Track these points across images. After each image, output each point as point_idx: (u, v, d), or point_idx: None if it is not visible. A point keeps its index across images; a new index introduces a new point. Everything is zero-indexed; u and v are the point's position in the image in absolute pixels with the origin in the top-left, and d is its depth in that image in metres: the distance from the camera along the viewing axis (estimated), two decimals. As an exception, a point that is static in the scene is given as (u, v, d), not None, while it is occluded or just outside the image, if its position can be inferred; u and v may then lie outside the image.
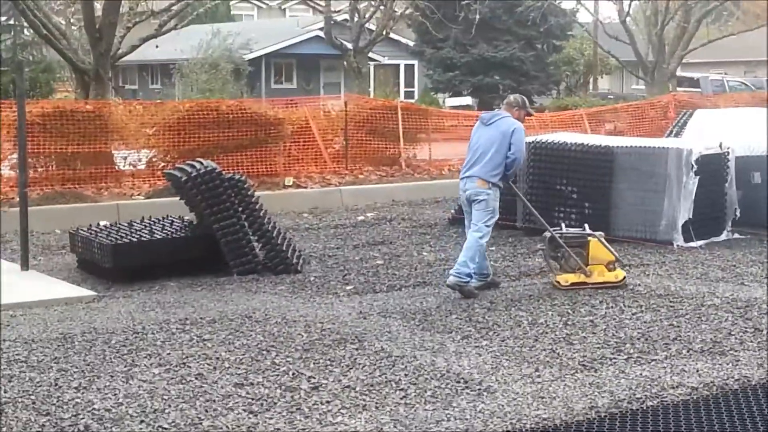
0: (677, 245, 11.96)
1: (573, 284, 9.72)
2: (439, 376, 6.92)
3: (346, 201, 16.95)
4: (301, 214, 15.66)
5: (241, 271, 10.59)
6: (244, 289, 10.05)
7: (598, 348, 7.65)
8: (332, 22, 31.31)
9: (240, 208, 10.76)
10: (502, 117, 9.97)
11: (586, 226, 10.40)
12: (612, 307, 8.98)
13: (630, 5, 34.57)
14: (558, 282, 9.78)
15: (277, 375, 6.97)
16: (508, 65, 40.61)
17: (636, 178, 12.50)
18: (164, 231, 10.95)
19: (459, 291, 9.53)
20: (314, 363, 7.25)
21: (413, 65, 47.61)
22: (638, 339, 7.89)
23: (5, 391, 6.62)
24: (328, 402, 6.41)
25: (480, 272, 9.82)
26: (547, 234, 10.01)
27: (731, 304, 9.02)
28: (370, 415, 6.17)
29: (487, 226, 9.77)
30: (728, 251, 11.88)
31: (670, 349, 7.61)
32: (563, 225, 10.54)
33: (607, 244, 9.95)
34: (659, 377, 6.86)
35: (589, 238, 9.93)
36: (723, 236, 12.69)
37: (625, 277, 9.78)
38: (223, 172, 10.91)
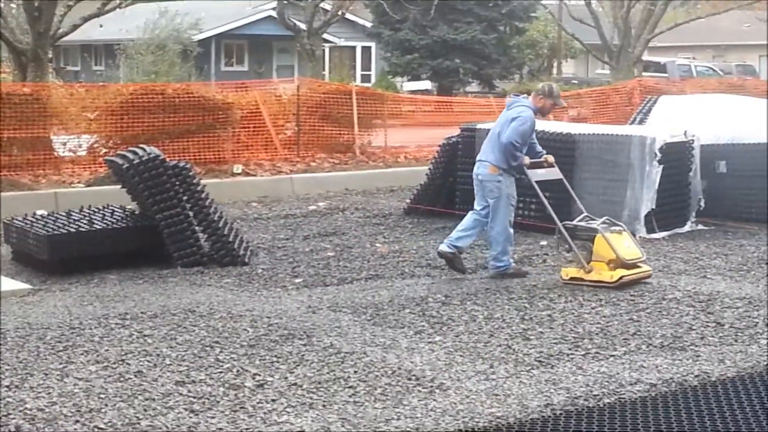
0: (639, 236, 11.75)
1: (572, 278, 9.43)
2: (390, 373, 6.69)
3: (297, 190, 16.66)
4: (249, 204, 15.36)
5: (185, 263, 10.28)
6: (188, 282, 9.75)
7: (556, 343, 7.44)
8: (285, 2, 30.84)
9: (185, 197, 10.45)
10: (519, 103, 9.90)
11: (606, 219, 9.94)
12: (571, 301, 8.78)
13: (596, -14, 34.43)
14: (561, 275, 9.56)
15: (221, 372, 6.71)
16: (469, 48, 40.27)
17: (598, 167, 12.30)
18: (104, 221, 10.61)
19: (505, 276, 9.73)
20: (260, 359, 7.00)
21: (370, 47, 47.16)
22: (597, 334, 7.69)
23: (-71, 392, 6.29)
24: (273, 400, 6.17)
25: (455, 245, 9.91)
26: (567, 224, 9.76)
27: (693, 298, 8.85)
28: (317, 414, 5.93)
29: (506, 213, 9.79)
30: (692, 243, 11.72)
31: (629, 344, 7.42)
32: (584, 216, 10.03)
33: (611, 240, 9.40)
34: (617, 373, 6.67)
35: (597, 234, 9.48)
36: (687, 227, 12.53)
37: (621, 278, 9.23)
38: (167, 160, 10.63)
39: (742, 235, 12.30)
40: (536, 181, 9.92)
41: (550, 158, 10.14)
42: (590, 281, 9.31)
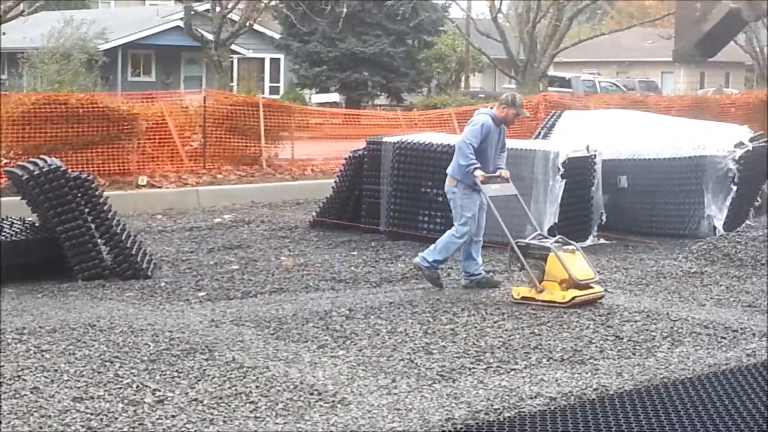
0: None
1: (523, 298, 9.23)
2: (292, 388, 6.65)
3: (203, 202, 16.52)
4: (154, 216, 15.19)
5: (86, 276, 10.13)
6: (89, 295, 9.60)
7: (458, 357, 7.47)
8: (193, 12, 30.54)
9: (86, 209, 10.30)
10: (479, 112, 9.99)
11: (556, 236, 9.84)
12: (474, 315, 8.82)
13: (501, 2, 34.71)
14: (513, 294, 9.37)
15: (120, 388, 6.60)
16: (377, 61, 40.32)
17: (502, 181, 12.40)
18: (3, 233, 10.36)
19: (421, 273, 9.92)
20: (160, 375, 6.90)
21: (279, 59, 46.95)
22: (499, 348, 7.74)
23: None
24: (173, 416, 6.08)
25: (466, 271, 9.95)
26: (523, 242, 9.61)
27: (593, 312, 8.94)
28: (218, 430, 5.87)
29: (462, 225, 9.76)
30: (593, 257, 11.83)
31: (530, 358, 7.48)
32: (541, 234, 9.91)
33: (564, 260, 9.21)
34: (518, 387, 6.72)
35: (550, 252, 9.29)
36: (588, 241, 12.67)
37: (573, 298, 9.03)
38: (70, 171, 10.47)
39: (642, 249, 12.52)
40: (491, 197, 9.78)
41: (505, 173, 9.98)
42: (542, 301, 9.11)
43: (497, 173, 9.91)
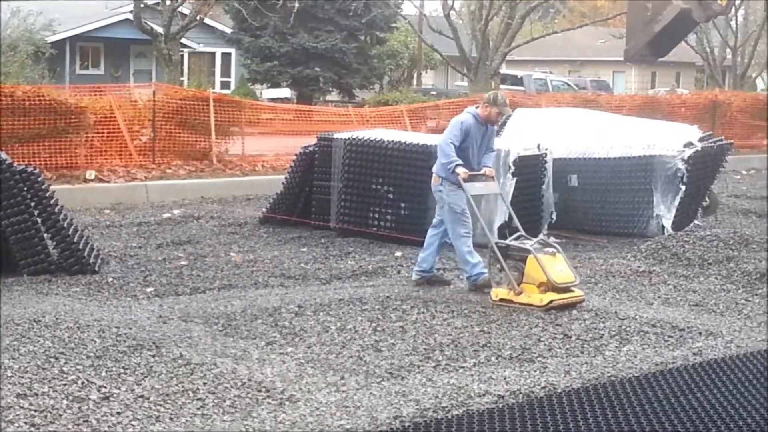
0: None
1: (501, 300, 9.11)
2: (240, 385, 6.60)
3: (152, 197, 16.38)
4: (102, 211, 15.04)
5: (31, 271, 9.99)
6: (35, 290, 9.47)
7: (407, 355, 7.46)
8: (142, 5, 30.22)
9: (32, 203, 10.15)
10: (465, 111, 9.89)
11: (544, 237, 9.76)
12: (423, 312, 8.80)
13: (454, 0, 34.75)
14: (491, 296, 9.25)
15: (65, 384, 6.49)
16: (329, 57, 40.21)
17: (453, 179, 12.40)
18: (-53, 227, 10.21)
19: (477, 288, 9.61)
20: (106, 371, 6.80)
21: (230, 54, 46.63)
22: (448, 345, 7.74)
23: None
24: (118, 413, 6.00)
25: (420, 266, 9.93)
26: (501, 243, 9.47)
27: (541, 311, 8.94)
28: (164, 427, 5.82)
29: (453, 224, 9.66)
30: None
31: (479, 356, 7.49)
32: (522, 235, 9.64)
33: (543, 262, 9.05)
34: (466, 385, 6.72)
35: (529, 255, 9.12)
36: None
37: (551, 302, 8.88)
38: (15, 164, 10.28)
39: (592, 248, 12.59)
40: (473, 195, 9.69)
41: (490, 171, 9.86)
42: (519, 303, 8.99)
43: (481, 171, 9.80)
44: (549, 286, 8.98)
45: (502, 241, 9.62)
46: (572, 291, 9.16)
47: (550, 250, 9.32)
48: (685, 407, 6.40)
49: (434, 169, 9.85)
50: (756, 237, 11.86)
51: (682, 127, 14.77)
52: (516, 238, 9.55)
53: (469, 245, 9.72)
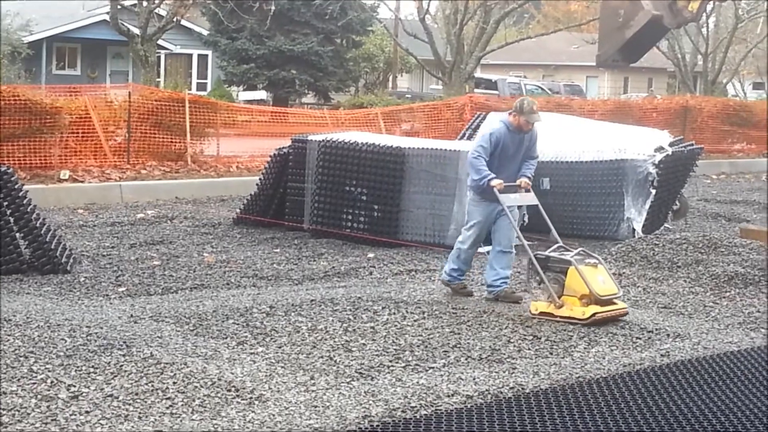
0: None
1: (541, 313, 8.78)
2: (210, 384, 6.60)
3: (126, 197, 16.36)
4: (76, 210, 15.01)
5: (3, 270, 9.97)
6: (6, 290, 9.44)
7: (377, 355, 7.49)
8: (119, 6, 30.16)
9: (5, 202, 10.15)
10: (497, 120, 9.67)
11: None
12: (394, 313, 8.83)
13: (429, 3, 34.69)
14: (530, 309, 8.92)
15: (34, 383, 6.49)
16: (305, 59, 40.26)
17: (427, 181, 12.46)
18: None
19: (450, 289, 9.71)
20: (76, 370, 6.80)
21: (207, 56, 46.58)
22: (418, 346, 7.77)
23: None
24: (87, 412, 6.00)
25: (487, 282, 9.69)
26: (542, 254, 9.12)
27: (512, 311, 9.04)
28: (132, 426, 5.81)
29: (466, 230, 9.65)
30: (515, 258, 11.95)
31: (449, 356, 7.53)
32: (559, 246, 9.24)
33: (585, 274, 8.70)
34: (436, 385, 6.75)
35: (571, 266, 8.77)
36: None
37: (594, 315, 8.52)
38: (-12, 164, 10.28)
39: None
40: (509, 207, 9.38)
41: (526, 183, 9.56)
42: (560, 317, 8.65)
43: (518, 182, 9.52)
44: (592, 299, 8.64)
45: (542, 252, 9.18)
46: (615, 303, 8.81)
47: (592, 261, 8.95)
48: (652, 408, 6.45)
49: (468, 182, 9.68)
50: (724, 241, 11.95)
51: (653, 132, 14.87)
52: (555, 249, 9.16)
53: (459, 254, 9.66)
